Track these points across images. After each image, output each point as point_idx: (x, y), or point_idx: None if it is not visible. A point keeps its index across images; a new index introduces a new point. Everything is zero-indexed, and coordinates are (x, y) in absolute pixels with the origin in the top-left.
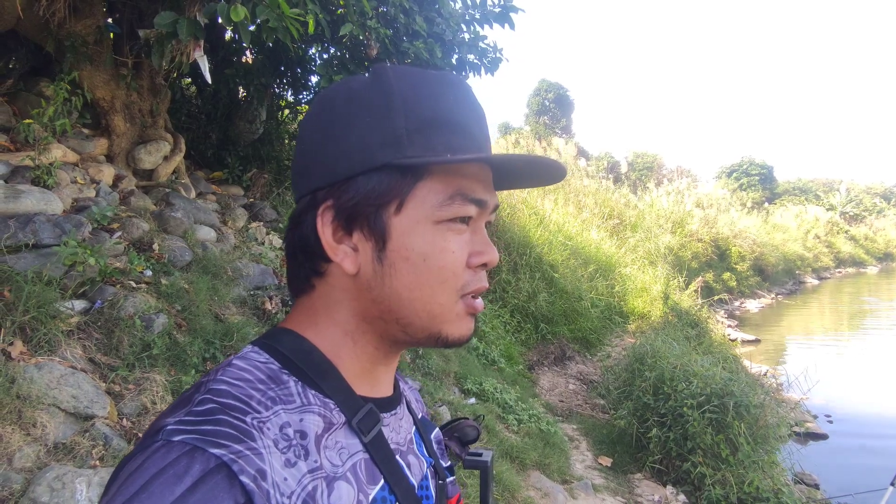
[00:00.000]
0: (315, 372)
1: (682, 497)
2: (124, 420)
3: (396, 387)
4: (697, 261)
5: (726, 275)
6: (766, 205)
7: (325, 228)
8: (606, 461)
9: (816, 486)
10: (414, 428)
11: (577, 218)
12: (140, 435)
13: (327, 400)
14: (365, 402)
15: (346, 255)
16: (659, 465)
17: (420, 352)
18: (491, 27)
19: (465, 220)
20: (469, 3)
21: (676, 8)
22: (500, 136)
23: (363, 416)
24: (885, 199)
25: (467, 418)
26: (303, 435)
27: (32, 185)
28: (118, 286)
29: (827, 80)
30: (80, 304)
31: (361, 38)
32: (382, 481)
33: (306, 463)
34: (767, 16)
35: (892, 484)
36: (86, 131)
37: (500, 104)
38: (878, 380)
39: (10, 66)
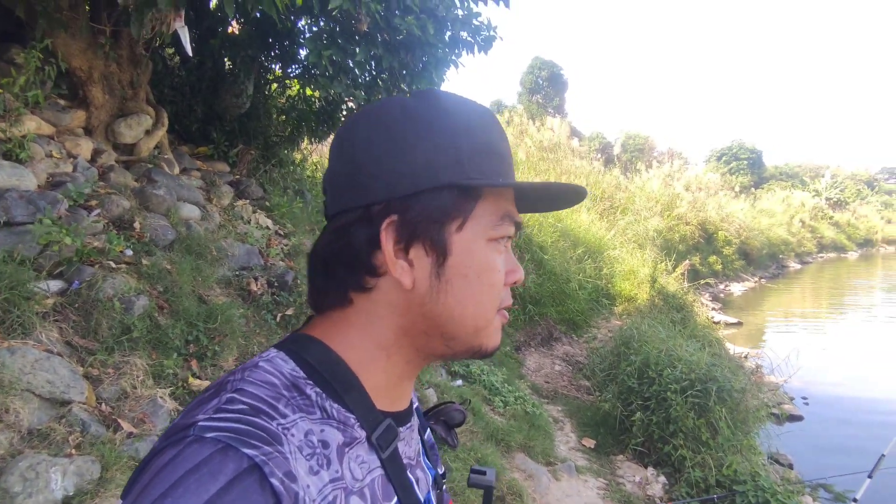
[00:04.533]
0: (340, 384)
1: (662, 479)
2: (103, 405)
3: (411, 398)
4: (685, 244)
5: (712, 258)
6: (754, 189)
7: (388, 243)
8: (590, 443)
9: (790, 467)
10: (419, 438)
11: None
12: (119, 420)
13: (348, 415)
14: (384, 416)
15: (403, 270)
16: (641, 447)
17: None
18: (485, 4)
19: (507, 239)
20: None
21: None
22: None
23: (382, 431)
24: (869, 186)
25: (454, 402)
26: (325, 444)
27: (3, 158)
28: (97, 266)
29: (819, 65)
30: (56, 285)
31: (352, 11)
32: (395, 499)
33: (328, 472)
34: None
35: (869, 476)
36: (62, 102)
37: (492, 82)
38: (854, 363)
39: None
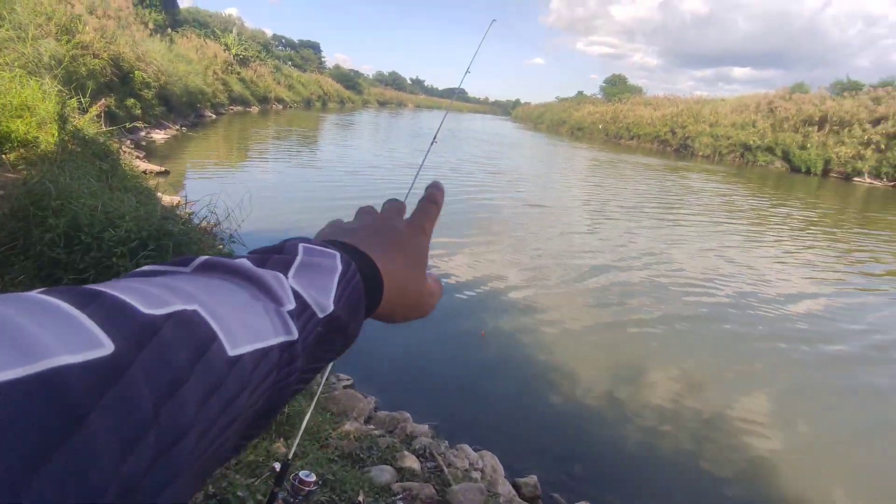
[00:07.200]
0: None
1: None
2: None
3: None
4: (95, 81)
5: (130, 101)
6: (170, 31)
7: None
8: None
9: None
10: None
11: None
12: None
13: None
14: None
15: None
16: None
17: None
18: None
19: None
20: None
21: None
22: None
23: None
24: (266, 49)
25: None
26: None
27: None
28: None
29: None
30: None
31: None
32: None
33: None
34: None
35: None
36: None
37: None
38: (268, 200)
39: None
